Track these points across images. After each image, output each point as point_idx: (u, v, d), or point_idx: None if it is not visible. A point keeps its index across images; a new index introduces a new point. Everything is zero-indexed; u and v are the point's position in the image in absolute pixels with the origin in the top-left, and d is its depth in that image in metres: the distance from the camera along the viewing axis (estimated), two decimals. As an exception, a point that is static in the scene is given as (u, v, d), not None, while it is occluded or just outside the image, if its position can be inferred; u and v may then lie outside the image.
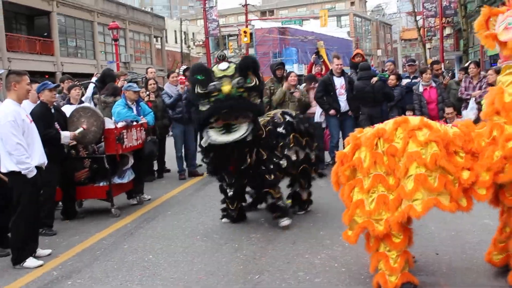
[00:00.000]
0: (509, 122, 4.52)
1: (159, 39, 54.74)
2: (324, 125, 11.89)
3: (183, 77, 11.98)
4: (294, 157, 7.51)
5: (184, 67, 14.06)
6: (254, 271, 5.81)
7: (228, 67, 6.86)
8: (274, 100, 11.25)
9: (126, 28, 45.81)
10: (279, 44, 61.05)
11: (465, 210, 4.76)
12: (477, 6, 40.51)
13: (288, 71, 12.43)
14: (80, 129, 8.30)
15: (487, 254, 5.36)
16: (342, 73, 11.70)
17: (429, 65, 13.48)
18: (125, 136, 8.72)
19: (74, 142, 8.46)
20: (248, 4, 56.97)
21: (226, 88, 6.67)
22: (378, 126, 5.10)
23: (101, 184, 8.74)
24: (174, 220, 8.20)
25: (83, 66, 38.85)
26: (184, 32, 63.09)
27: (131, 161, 9.10)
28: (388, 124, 5.01)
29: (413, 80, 12.11)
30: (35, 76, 18.31)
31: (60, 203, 8.79)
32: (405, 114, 10.93)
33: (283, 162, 7.34)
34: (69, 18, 39.64)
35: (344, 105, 11.42)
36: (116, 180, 8.86)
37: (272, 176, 7.22)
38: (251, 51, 56.90)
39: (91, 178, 8.83)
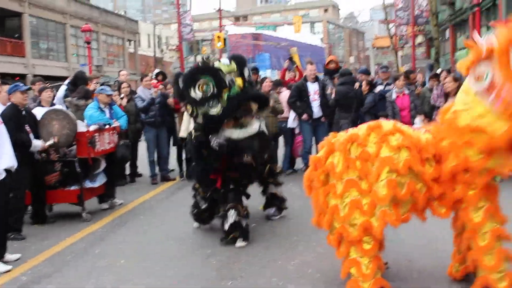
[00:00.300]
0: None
1: (132, 42, 54.41)
2: (297, 131, 11.89)
3: (156, 81, 11.91)
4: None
5: (157, 71, 13.96)
6: (228, 277, 5.76)
7: (230, 62, 6.67)
8: None
9: (99, 31, 45.45)
10: (252, 49, 61.05)
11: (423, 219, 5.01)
12: (448, 15, 41.15)
13: (262, 77, 12.45)
14: (51, 141, 8.16)
15: (449, 267, 5.39)
16: (316, 79, 11.72)
17: (402, 73, 13.55)
18: (97, 140, 8.61)
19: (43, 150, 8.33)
20: (222, 10, 57.03)
21: (240, 81, 6.59)
22: (351, 131, 5.11)
23: (72, 188, 8.60)
24: (146, 225, 8.10)
25: (54, 68, 38.39)
26: (158, 36, 62.81)
27: (103, 164, 8.98)
28: (362, 129, 5.02)
29: (387, 87, 12.19)
30: (5, 78, 18.03)
31: (30, 207, 8.61)
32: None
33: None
34: (41, 20, 39.14)
35: (317, 110, 11.42)
36: (88, 184, 8.73)
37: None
38: (225, 56, 56.87)
39: (62, 182, 8.66)
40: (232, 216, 6.81)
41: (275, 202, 8.14)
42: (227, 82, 6.46)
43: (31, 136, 7.89)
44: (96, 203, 9.26)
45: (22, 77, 32.75)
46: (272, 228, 7.59)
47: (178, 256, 6.58)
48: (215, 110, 6.46)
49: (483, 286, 4.78)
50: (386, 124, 4.99)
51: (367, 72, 13.28)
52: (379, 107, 11.42)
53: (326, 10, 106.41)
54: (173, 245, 7.02)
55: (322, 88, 11.59)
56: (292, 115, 11.76)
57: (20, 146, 7.54)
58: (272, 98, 11.21)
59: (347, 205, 4.83)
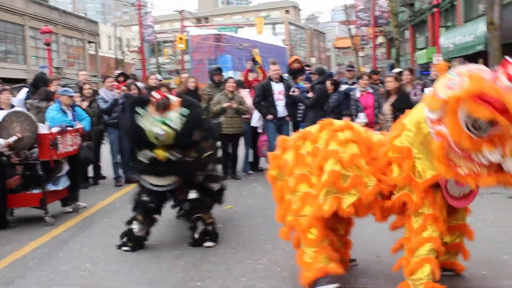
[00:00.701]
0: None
1: (92, 44, 53.75)
2: (260, 130, 11.88)
3: (117, 83, 11.79)
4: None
5: (119, 72, 13.80)
6: (196, 278, 5.69)
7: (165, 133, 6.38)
8: (213, 110, 11.28)
9: (58, 33, 44.76)
10: (214, 51, 60.98)
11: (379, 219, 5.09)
12: (408, 16, 41.72)
13: (227, 77, 12.44)
14: (14, 137, 7.98)
15: None
16: (281, 79, 11.71)
17: (366, 72, 13.69)
18: (59, 142, 8.44)
19: (7, 149, 8.13)
20: (184, 11, 56.77)
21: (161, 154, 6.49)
22: (305, 129, 5.39)
23: (34, 191, 8.39)
24: (111, 228, 7.94)
25: (13, 71, 37.57)
26: (118, 38, 62.24)
27: (66, 167, 8.80)
28: (314, 126, 5.21)
29: (351, 86, 12.27)
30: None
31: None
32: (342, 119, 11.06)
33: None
34: (-1, 22, 38.40)
35: (282, 110, 11.41)
36: (50, 187, 8.53)
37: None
38: (187, 58, 56.68)
39: (23, 185, 8.45)
40: (199, 226, 6.81)
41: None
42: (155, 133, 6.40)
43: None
44: (59, 206, 9.05)
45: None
46: (239, 228, 7.55)
47: (145, 258, 6.47)
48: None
49: None
50: (338, 122, 5.16)
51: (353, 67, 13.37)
52: (344, 106, 11.48)
53: (287, 12, 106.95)
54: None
55: (287, 88, 11.57)
56: (256, 114, 11.74)
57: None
58: (235, 103, 11.21)
59: (299, 198, 4.96)
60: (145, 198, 6.85)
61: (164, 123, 6.35)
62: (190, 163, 6.63)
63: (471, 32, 25.64)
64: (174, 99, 6.72)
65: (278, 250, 6.36)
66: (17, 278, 5.97)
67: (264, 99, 11.34)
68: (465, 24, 29.01)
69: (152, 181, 6.72)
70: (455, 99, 4.17)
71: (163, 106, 6.44)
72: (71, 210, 9.07)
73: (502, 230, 6.99)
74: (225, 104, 11.09)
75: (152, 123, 6.36)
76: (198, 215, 6.80)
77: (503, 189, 9.18)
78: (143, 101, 6.63)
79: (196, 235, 6.78)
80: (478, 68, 4.42)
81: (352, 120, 10.41)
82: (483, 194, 8.87)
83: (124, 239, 6.80)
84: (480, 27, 24.06)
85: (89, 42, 52.48)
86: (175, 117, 6.45)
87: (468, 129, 4.17)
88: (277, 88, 11.46)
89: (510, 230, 7.02)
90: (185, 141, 6.54)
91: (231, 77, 12.58)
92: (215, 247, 6.69)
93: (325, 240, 4.99)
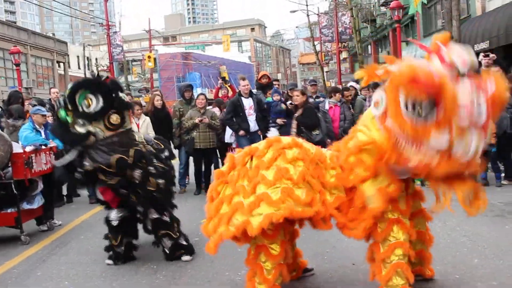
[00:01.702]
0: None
1: (61, 64, 53.18)
2: (234, 145, 11.85)
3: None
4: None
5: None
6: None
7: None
8: (185, 127, 11.31)
9: (27, 53, 44.19)
10: (182, 68, 61.10)
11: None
12: (370, 32, 42.25)
13: (198, 93, 12.42)
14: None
15: None
16: (251, 94, 11.72)
17: (341, 88, 13.76)
18: (33, 160, 8.29)
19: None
20: (152, 30, 56.60)
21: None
22: (252, 145, 5.28)
23: (9, 210, 8.21)
24: (88, 245, 7.83)
25: (-18, 92, 37.02)
26: (87, 57, 61.72)
27: (40, 186, 8.66)
28: (262, 143, 5.17)
29: (316, 100, 12.37)
30: None
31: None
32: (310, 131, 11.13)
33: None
34: (-33, 43, 37.83)
35: (253, 125, 11.39)
36: (25, 206, 8.36)
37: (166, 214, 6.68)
38: (155, 76, 56.55)
39: (-3, 205, 8.31)
40: (167, 242, 6.65)
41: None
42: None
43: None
44: (35, 225, 8.88)
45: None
46: (216, 241, 7.48)
47: (123, 273, 6.38)
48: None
49: None
50: (286, 139, 5.11)
51: (296, 86, 13.40)
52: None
53: (253, 29, 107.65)
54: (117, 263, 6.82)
55: (257, 103, 11.58)
56: (228, 131, 11.71)
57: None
58: (207, 118, 11.19)
59: (231, 207, 4.84)
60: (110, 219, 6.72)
61: None
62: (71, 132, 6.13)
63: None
64: None
65: (255, 261, 6.34)
66: (-5, 298, 5.86)
67: (235, 115, 11.33)
68: (424, 38, 29.54)
69: None
70: (393, 86, 4.27)
71: None
72: (46, 228, 8.89)
73: (469, 235, 7.08)
74: (197, 119, 11.07)
75: None
76: (164, 232, 6.63)
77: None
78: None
79: (167, 250, 6.65)
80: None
81: (321, 132, 10.52)
82: (451, 201, 9.00)
83: (110, 253, 6.79)
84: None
85: (58, 62, 51.91)
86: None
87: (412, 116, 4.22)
88: (248, 103, 11.44)
89: (477, 234, 7.11)
90: (68, 99, 6.06)
91: (202, 94, 12.55)
92: (193, 260, 6.63)
93: (283, 257, 4.95)
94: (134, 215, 6.70)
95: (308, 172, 4.79)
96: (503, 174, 10.62)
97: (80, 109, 5.97)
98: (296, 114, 10.21)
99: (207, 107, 11.96)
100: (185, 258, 6.64)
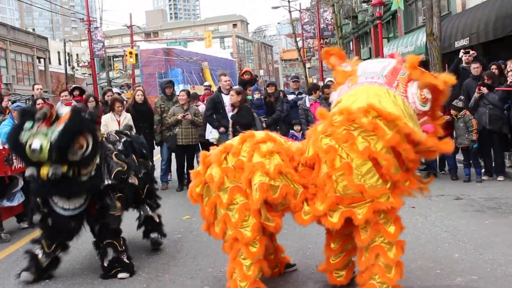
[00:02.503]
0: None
1: (42, 60, 52.67)
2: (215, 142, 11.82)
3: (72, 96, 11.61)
4: (135, 181, 6.38)
5: (74, 86, 13.55)
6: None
7: (41, 150, 5.24)
8: (168, 123, 11.28)
9: (7, 49, 43.71)
10: (164, 65, 60.71)
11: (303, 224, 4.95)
12: (351, 28, 42.40)
13: (181, 90, 12.40)
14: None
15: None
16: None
17: (322, 85, 13.81)
18: (14, 157, 8.21)
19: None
20: (133, 25, 56.23)
21: (44, 171, 5.32)
22: (226, 142, 5.25)
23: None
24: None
25: (-39, 88, 36.59)
26: (68, 53, 61.19)
27: (21, 183, 8.55)
28: (235, 139, 5.14)
29: (298, 96, 12.40)
30: None
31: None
32: (292, 129, 11.16)
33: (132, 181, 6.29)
34: None
35: (233, 121, 11.39)
36: (5, 203, 8.26)
37: (117, 209, 6.09)
38: (137, 72, 56.22)
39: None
40: (110, 252, 6.11)
41: (151, 227, 7.18)
42: (27, 174, 5.61)
43: None
44: (15, 222, 8.80)
45: None
46: (198, 237, 7.45)
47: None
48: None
49: None
50: (259, 133, 5.11)
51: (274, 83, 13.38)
52: (292, 115, 11.61)
53: (235, 25, 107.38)
54: (98, 260, 6.76)
55: (239, 99, 11.55)
56: (209, 127, 11.67)
57: None
58: (189, 114, 11.15)
59: (237, 210, 4.83)
60: (51, 222, 6.04)
61: (46, 136, 5.31)
62: (80, 182, 5.64)
63: (412, 43, 26.28)
64: (64, 111, 5.59)
65: (237, 257, 6.33)
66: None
67: (215, 111, 11.28)
68: (406, 35, 29.71)
69: (60, 204, 5.84)
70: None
71: (43, 117, 5.36)
72: (26, 226, 8.79)
73: (450, 230, 7.15)
74: (180, 116, 11.03)
75: (34, 136, 5.30)
76: (109, 241, 6.13)
77: (450, 192, 9.47)
78: (32, 113, 5.54)
79: (106, 263, 6.11)
80: None
81: (302, 129, 10.56)
82: (432, 196, 9.13)
83: (27, 265, 6.09)
84: (420, 38, 24.69)
85: (39, 57, 51.40)
86: (59, 129, 5.34)
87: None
88: (228, 100, 11.34)
89: (458, 229, 7.17)
90: (59, 154, 5.28)
91: (183, 90, 12.50)
92: (175, 257, 6.61)
93: (262, 253, 4.96)
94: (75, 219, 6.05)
95: (284, 165, 4.78)
96: (483, 170, 10.72)
97: (78, 158, 5.44)
98: (232, 113, 10.31)
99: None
100: (122, 275, 6.01)
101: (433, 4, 17.57)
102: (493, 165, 10.73)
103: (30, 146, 5.25)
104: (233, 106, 10.43)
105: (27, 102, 12.70)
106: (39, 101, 11.37)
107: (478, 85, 10.41)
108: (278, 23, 79.18)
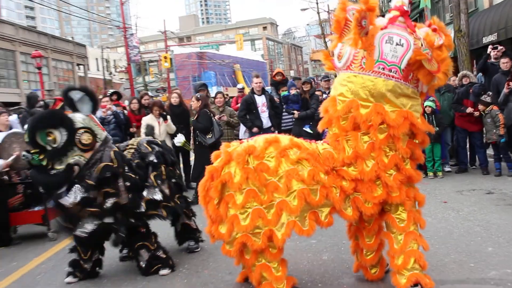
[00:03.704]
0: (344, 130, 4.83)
1: (81, 66, 53.46)
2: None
3: (110, 101, 11.77)
4: (167, 191, 6.27)
5: (112, 91, 13.73)
6: (198, 284, 5.67)
7: (25, 132, 5.46)
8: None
9: (48, 57, 44.49)
10: (198, 68, 61.15)
11: (352, 220, 4.94)
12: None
13: (216, 92, 12.49)
14: (14, 156, 7.94)
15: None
16: (263, 91, 11.71)
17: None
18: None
19: (7, 169, 8.10)
20: (167, 31, 56.70)
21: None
22: (247, 142, 4.98)
23: (36, 208, 8.31)
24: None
25: (6, 95, 37.17)
26: (106, 59, 61.96)
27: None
28: (258, 141, 4.91)
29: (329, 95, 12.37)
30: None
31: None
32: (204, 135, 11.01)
33: (158, 197, 6.09)
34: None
35: (266, 121, 11.40)
36: (52, 204, 8.44)
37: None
38: (172, 76, 56.67)
39: (25, 204, 8.38)
40: (144, 254, 6.09)
41: (187, 235, 7.08)
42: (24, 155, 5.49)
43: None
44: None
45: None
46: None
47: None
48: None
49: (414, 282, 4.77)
50: (284, 138, 4.96)
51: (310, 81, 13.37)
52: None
53: (265, 28, 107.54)
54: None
55: (270, 100, 11.59)
56: (242, 128, 11.73)
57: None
58: (225, 115, 11.21)
59: (249, 215, 4.71)
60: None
61: None
62: (54, 174, 5.46)
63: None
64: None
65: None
66: (26, 292, 5.92)
67: (248, 112, 11.33)
68: (433, 32, 29.31)
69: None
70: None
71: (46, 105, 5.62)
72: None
73: (482, 224, 7.04)
74: (216, 117, 11.07)
75: None
76: (140, 243, 6.09)
77: (481, 186, 9.35)
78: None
79: (143, 264, 6.09)
80: None
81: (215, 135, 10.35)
82: (463, 191, 9.00)
83: (71, 269, 6.17)
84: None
85: (78, 64, 52.20)
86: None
87: None
88: (260, 101, 11.43)
89: (490, 223, 7.06)
90: (30, 134, 5.36)
91: (220, 92, 12.59)
92: (214, 253, 6.59)
93: (282, 253, 4.90)
94: (105, 229, 5.97)
95: (317, 170, 4.72)
96: (514, 164, 10.54)
97: (49, 148, 5.39)
98: (193, 119, 10.26)
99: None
100: (163, 272, 6.08)
101: (460, 1, 17.36)
102: (524, 159, 10.55)
103: None
104: (194, 111, 10.38)
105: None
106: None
107: (507, 80, 10.23)
108: (307, 24, 79.16)
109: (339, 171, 4.83)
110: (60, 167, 5.40)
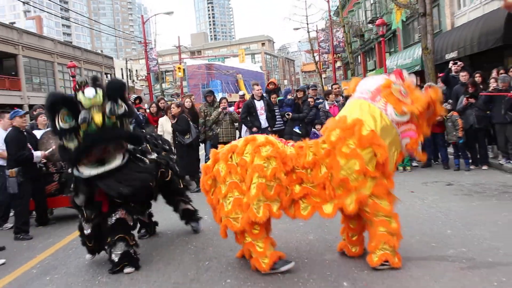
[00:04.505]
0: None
1: (108, 75, 53.28)
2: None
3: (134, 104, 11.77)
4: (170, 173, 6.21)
5: (135, 96, 13.69)
6: (204, 259, 5.65)
7: (96, 94, 4.85)
8: (210, 119, 11.35)
9: (81, 67, 44.34)
10: (206, 77, 61.07)
11: (291, 217, 4.95)
12: (359, 45, 41.98)
13: (221, 97, 12.55)
14: (50, 150, 7.94)
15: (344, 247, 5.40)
16: (262, 97, 11.70)
17: (331, 88, 13.79)
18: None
19: (45, 160, 8.11)
20: (181, 46, 56.59)
21: (98, 118, 4.78)
22: (232, 143, 5.16)
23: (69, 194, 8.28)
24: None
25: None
26: (129, 69, 61.82)
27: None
28: (240, 141, 5.07)
29: (316, 101, 12.34)
30: (5, 108, 17.46)
31: (34, 212, 8.31)
32: (315, 128, 11.10)
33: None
34: (33, 60, 37.99)
35: (264, 122, 11.36)
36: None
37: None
38: (184, 83, 56.58)
39: (60, 190, 8.37)
40: (120, 246, 5.36)
41: (191, 216, 6.88)
42: (81, 118, 4.75)
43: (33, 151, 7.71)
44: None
45: (19, 107, 31.69)
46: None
47: (161, 244, 6.43)
48: (71, 144, 4.89)
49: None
50: (260, 137, 5.02)
51: (303, 89, 13.35)
52: (316, 117, 11.60)
53: (263, 44, 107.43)
54: (156, 236, 6.84)
55: (267, 104, 11.58)
56: (244, 128, 11.72)
57: (23, 162, 7.33)
58: (229, 113, 11.28)
59: (231, 202, 4.82)
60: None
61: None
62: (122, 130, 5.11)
63: (410, 56, 25.94)
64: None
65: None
66: (60, 264, 5.91)
67: (249, 114, 11.32)
68: (404, 49, 29.31)
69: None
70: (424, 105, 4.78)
71: (83, 83, 5.01)
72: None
73: (443, 211, 7.04)
74: (221, 107, 11.38)
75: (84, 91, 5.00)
76: (121, 235, 5.38)
77: (443, 179, 9.33)
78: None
79: (115, 258, 5.35)
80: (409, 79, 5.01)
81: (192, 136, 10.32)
82: (428, 182, 8.98)
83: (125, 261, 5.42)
84: (416, 52, 24.35)
85: (106, 73, 52.04)
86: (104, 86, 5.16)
87: None
88: (259, 105, 11.42)
89: (450, 210, 7.06)
90: (113, 94, 5.00)
91: (224, 97, 12.63)
92: (218, 233, 6.56)
93: (266, 232, 4.94)
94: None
95: (279, 169, 4.73)
96: (470, 161, 10.53)
97: (122, 111, 5.01)
98: (172, 122, 10.22)
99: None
100: (128, 270, 5.36)
101: (427, 24, 17.30)
102: (478, 156, 10.54)
103: (83, 93, 4.86)
104: (174, 116, 10.37)
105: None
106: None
107: (465, 97, 10.25)
108: (299, 41, 78.95)
109: (299, 173, 4.85)
110: (126, 124, 5.15)
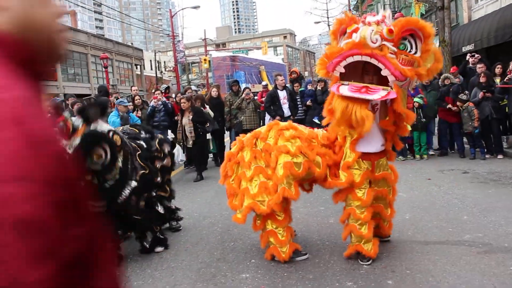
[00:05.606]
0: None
1: (138, 66, 53.63)
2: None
3: (162, 93, 11.80)
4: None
5: (165, 86, 13.71)
6: (229, 240, 5.68)
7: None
8: (234, 105, 11.53)
9: (113, 58, 44.66)
10: (231, 68, 60.97)
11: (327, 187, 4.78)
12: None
13: (244, 87, 12.56)
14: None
15: None
16: (285, 87, 11.66)
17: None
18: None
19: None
20: (207, 38, 56.62)
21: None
22: (256, 130, 5.07)
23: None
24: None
25: (80, 88, 37.57)
26: (158, 61, 62.10)
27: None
28: (263, 127, 5.01)
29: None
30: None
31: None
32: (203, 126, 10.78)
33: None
34: (68, 51, 38.42)
35: (286, 111, 11.35)
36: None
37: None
38: (210, 74, 56.68)
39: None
40: (149, 235, 5.43)
41: (171, 214, 6.14)
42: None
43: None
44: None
45: (55, 96, 32.22)
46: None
47: (189, 226, 6.44)
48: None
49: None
50: (283, 123, 4.95)
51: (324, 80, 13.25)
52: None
53: (285, 37, 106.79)
54: (184, 218, 6.86)
55: (290, 94, 11.53)
56: (267, 116, 11.70)
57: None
58: (252, 99, 11.41)
59: (257, 185, 4.69)
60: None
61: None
62: (106, 188, 4.53)
63: (427, 48, 25.49)
64: (79, 123, 4.42)
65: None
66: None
67: (272, 104, 11.30)
68: (422, 42, 28.80)
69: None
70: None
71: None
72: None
73: (459, 197, 6.92)
74: (244, 94, 11.56)
75: None
76: (146, 227, 5.35)
77: (459, 167, 9.18)
78: None
79: (147, 244, 5.41)
80: None
81: (212, 124, 10.29)
82: (444, 170, 8.84)
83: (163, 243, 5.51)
84: (435, 44, 23.92)
85: (136, 65, 52.38)
86: (75, 143, 4.29)
87: None
88: (282, 95, 11.40)
89: (466, 197, 6.94)
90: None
91: (248, 87, 12.62)
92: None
93: (288, 221, 4.85)
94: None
95: (304, 146, 4.62)
96: (485, 150, 10.34)
97: (99, 167, 4.41)
98: (190, 116, 9.91)
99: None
100: (159, 249, 5.42)
101: (444, 17, 16.98)
102: (493, 146, 10.34)
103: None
104: (184, 111, 10.10)
105: (128, 98, 12.82)
106: (137, 97, 11.63)
107: (482, 91, 10.03)
108: (320, 34, 78.20)
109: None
110: (111, 175, 4.52)
